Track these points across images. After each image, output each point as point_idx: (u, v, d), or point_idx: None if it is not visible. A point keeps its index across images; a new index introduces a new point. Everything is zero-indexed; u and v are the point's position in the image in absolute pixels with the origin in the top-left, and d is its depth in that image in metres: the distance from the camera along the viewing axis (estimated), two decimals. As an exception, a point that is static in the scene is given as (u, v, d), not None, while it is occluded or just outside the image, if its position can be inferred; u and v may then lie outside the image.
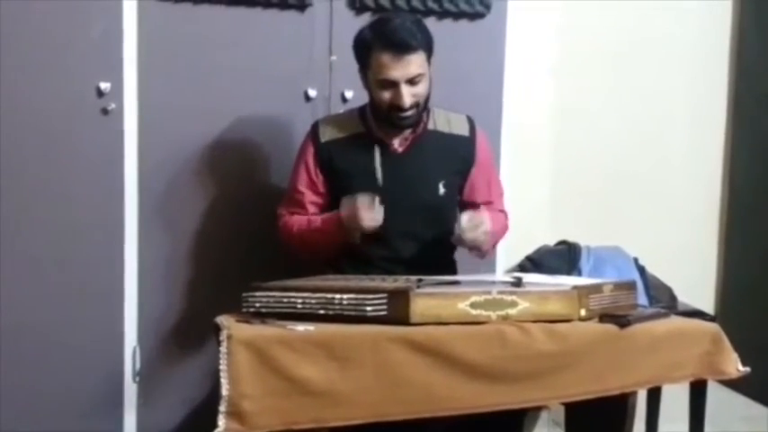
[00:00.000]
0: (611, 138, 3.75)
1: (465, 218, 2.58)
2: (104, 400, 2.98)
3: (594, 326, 2.29)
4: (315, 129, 2.77)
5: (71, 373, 2.93)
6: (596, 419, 2.53)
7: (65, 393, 2.93)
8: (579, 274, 3.32)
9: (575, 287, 2.28)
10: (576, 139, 3.69)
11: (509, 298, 2.21)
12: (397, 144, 2.73)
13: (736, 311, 3.81)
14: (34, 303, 2.89)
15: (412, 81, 2.58)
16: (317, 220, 2.70)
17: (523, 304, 2.21)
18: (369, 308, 2.16)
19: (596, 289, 2.34)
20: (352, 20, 3.05)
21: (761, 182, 3.80)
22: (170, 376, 3.06)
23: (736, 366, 2.42)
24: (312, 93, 3.10)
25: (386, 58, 2.55)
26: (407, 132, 2.72)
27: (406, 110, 2.60)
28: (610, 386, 2.32)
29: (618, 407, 2.45)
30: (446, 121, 2.78)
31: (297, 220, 2.75)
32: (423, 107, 2.66)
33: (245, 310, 2.32)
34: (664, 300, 3.40)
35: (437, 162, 2.74)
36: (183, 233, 3.05)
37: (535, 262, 3.48)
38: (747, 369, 2.43)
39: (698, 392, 2.53)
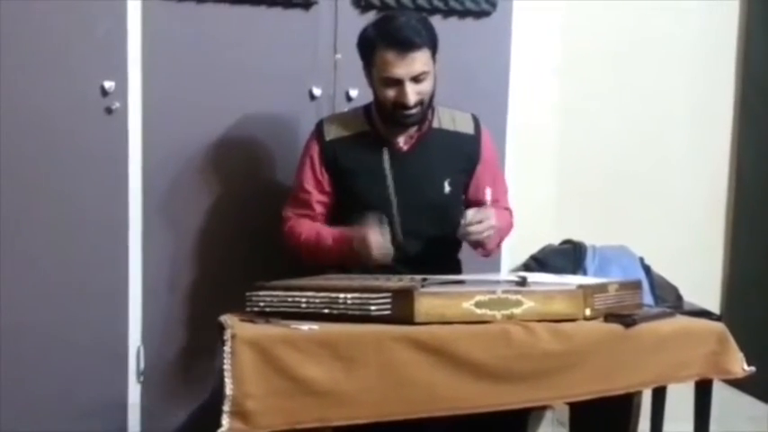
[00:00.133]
0: (616, 137, 3.74)
1: (470, 212, 2.57)
2: (108, 400, 2.98)
3: (600, 325, 2.29)
4: (319, 128, 2.77)
5: (74, 373, 2.93)
6: (601, 419, 2.53)
7: (68, 393, 2.93)
8: (584, 273, 3.31)
9: (580, 286, 2.28)
10: (581, 138, 3.68)
11: (514, 297, 2.21)
12: (402, 142, 2.72)
13: (742, 311, 3.80)
14: (37, 303, 2.89)
15: (416, 79, 2.57)
16: (328, 237, 2.67)
17: (528, 304, 2.21)
18: (373, 307, 2.16)
19: (601, 288, 2.34)
20: (357, 18, 3.04)
21: (767, 180, 3.79)
22: (174, 376, 3.06)
23: (741, 366, 2.42)
24: (317, 91, 3.09)
25: (390, 55, 2.55)
26: (412, 131, 2.72)
27: (411, 108, 2.60)
28: (615, 386, 2.32)
29: (623, 406, 2.45)
30: (451, 119, 2.78)
31: (304, 229, 2.73)
32: (427, 105, 2.66)
33: (249, 309, 2.32)
34: (669, 299, 3.39)
35: (442, 160, 2.73)
36: (187, 232, 3.04)
37: (540, 261, 3.47)
38: (753, 369, 2.43)
39: (703, 392, 2.52)
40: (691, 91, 3.83)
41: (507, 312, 2.20)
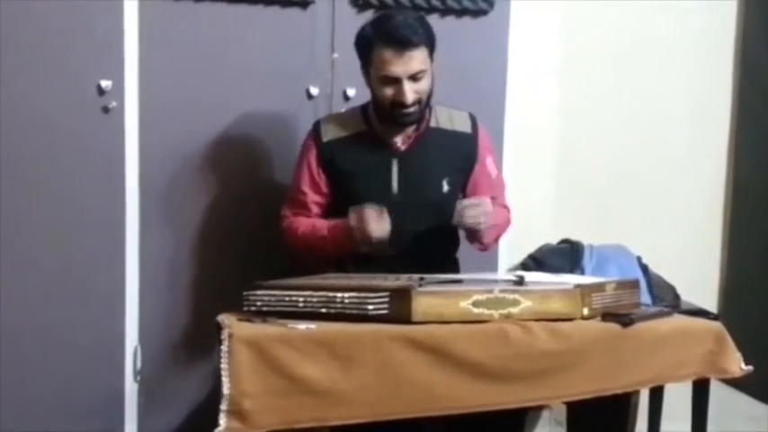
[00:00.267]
0: (614, 136, 3.74)
1: (466, 200, 2.59)
2: (105, 400, 2.98)
3: (597, 325, 2.28)
4: (316, 128, 2.76)
5: (72, 373, 2.93)
6: (598, 419, 2.53)
7: (65, 393, 2.93)
8: (582, 272, 3.31)
9: (577, 286, 2.28)
10: (579, 137, 3.68)
11: (511, 296, 2.21)
12: (400, 142, 2.72)
13: (740, 310, 3.80)
14: (34, 303, 2.89)
15: (414, 77, 2.57)
16: (323, 227, 2.69)
17: (526, 303, 2.21)
18: (370, 306, 2.16)
19: (599, 288, 2.34)
20: (355, 17, 3.04)
21: (765, 180, 3.79)
22: (171, 375, 3.06)
23: (739, 365, 2.42)
24: (314, 91, 3.09)
25: (387, 54, 2.55)
26: (410, 130, 2.72)
27: (409, 106, 2.60)
28: (612, 385, 2.31)
29: (620, 406, 2.45)
30: (448, 118, 2.78)
31: (301, 223, 2.74)
32: (425, 104, 2.66)
33: (246, 308, 2.32)
34: (667, 298, 3.39)
35: (440, 159, 2.73)
36: (185, 232, 3.04)
37: (538, 260, 3.47)
38: (750, 368, 2.43)
39: (701, 391, 2.52)
40: (689, 91, 3.83)
41: (505, 312, 2.19)
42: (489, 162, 2.85)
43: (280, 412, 2.07)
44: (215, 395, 2.08)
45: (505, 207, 2.90)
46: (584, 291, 2.26)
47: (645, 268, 3.43)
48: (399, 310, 2.14)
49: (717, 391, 2.59)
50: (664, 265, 3.49)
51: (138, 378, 3.02)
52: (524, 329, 2.18)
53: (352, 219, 2.57)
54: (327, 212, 2.75)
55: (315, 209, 2.75)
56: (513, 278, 2.41)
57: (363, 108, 2.77)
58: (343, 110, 3.00)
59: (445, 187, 2.73)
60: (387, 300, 2.16)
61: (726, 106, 3.91)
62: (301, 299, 2.25)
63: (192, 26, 2.98)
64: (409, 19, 2.60)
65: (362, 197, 2.63)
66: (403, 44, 2.54)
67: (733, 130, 3.93)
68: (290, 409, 2.07)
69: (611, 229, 3.59)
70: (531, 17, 3.43)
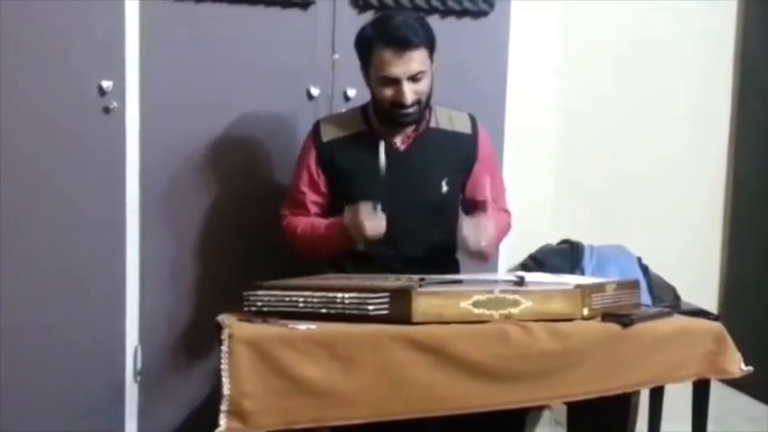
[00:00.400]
0: (614, 137, 3.74)
1: (469, 228, 2.57)
2: (105, 400, 2.98)
3: (597, 325, 2.29)
4: (316, 128, 2.77)
5: (72, 373, 2.93)
6: (599, 419, 2.53)
7: (65, 393, 2.93)
8: (582, 273, 3.31)
9: (577, 286, 2.29)
10: (579, 138, 3.68)
11: (512, 297, 2.21)
12: (399, 142, 2.72)
13: (740, 311, 3.80)
14: (35, 303, 2.89)
15: (414, 78, 2.57)
16: (321, 225, 2.70)
17: (526, 303, 2.21)
18: (371, 307, 2.16)
19: (599, 288, 2.34)
20: (355, 18, 3.04)
21: (765, 181, 3.79)
22: (171, 376, 3.06)
23: (739, 366, 2.42)
24: (315, 91, 3.09)
25: (387, 54, 2.55)
26: (410, 130, 2.72)
27: (408, 107, 2.60)
28: (612, 386, 2.32)
29: (620, 406, 2.45)
30: (448, 118, 2.78)
31: (300, 222, 2.74)
32: (425, 104, 2.66)
33: (246, 308, 2.32)
34: (667, 299, 3.39)
35: (440, 160, 2.73)
36: (185, 232, 3.04)
37: (538, 261, 3.47)
38: (750, 368, 2.43)
39: (701, 392, 2.52)
40: (689, 91, 3.83)
41: (505, 312, 2.20)
42: (490, 165, 2.85)
43: (280, 413, 2.07)
44: (215, 395, 2.08)
45: (506, 211, 2.90)
46: (585, 291, 2.26)
47: (645, 269, 3.43)
48: (399, 311, 2.14)
49: (717, 392, 2.59)
50: (664, 265, 3.49)
51: (139, 378, 3.02)
52: (524, 330, 2.19)
53: (348, 217, 2.58)
54: (326, 213, 2.75)
55: (313, 209, 2.75)
56: (514, 278, 2.41)
57: (363, 108, 2.78)
58: (343, 110, 3.00)
59: (444, 187, 2.73)
60: (387, 300, 2.16)
61: (726, 106, 3.91)
62: (301, 299, 2.25)
63: (192, 27, 2.98)
64: (409, 20, 2.60)
65: (361, 197, 2.63)
66: (403, 45, 2.54)
67: (733, 130, 3.93)
68: (290, 409, 2.08)
69: (611, 230, 3.59)
70: (531, 18, 3.43)
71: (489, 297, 2.19)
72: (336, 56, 3.08)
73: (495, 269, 3.25)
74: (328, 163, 2.72)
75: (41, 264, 2.90)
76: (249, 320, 2.22)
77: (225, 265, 3.06)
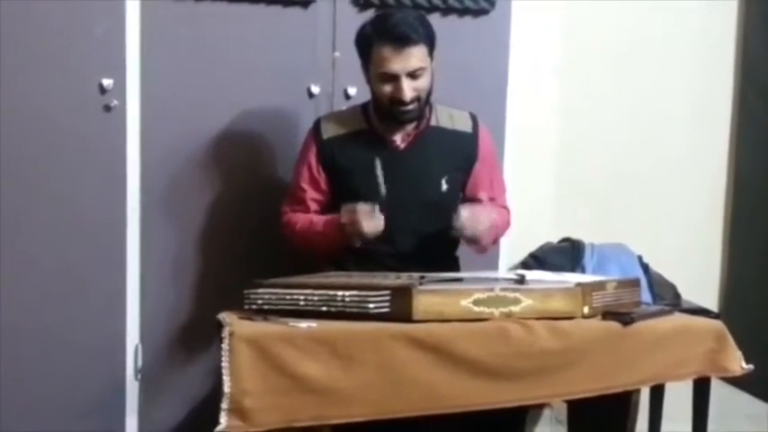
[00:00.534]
0: (615, 136, 3.74)
1: (465, 211, 2.57)
2: (106, 399, 2.98)
3: (598, 323, 2.29)
4: (317, 126, 2.77)
5: (73, 372, 2.93)
6: (599, 417, 2.53)
7: (66, 392, 2.93)
8: (583, 271, 3.31)
9: (578, 284, 2.29)
10: (579, 137, 3.68)
11: (512, 295, 2.21)
12: (399, 140, 2.72)
13: (740, 309, 3.80)
14: (35, 301, 2.89)
15: (413, 75, 2.58)
16: (319, 222, 2.70)
17: (527, 301, 2.21)
18: (371, 305, 2.16)
19: (600, 286, 2.34)
20: (356, 16, 3.03)
21: (765, 180, 3.79)
22: (172, 374, 3.06)
23: (739, 364, 2.42)
24: (315, 89, 3.09)
25: (386, 51, 2.55)
26: (410, 128, 2.72)
27: (407, 104, 2.60)
28: (613, 384, 2.32)
29: (621, 404, 2.44)
30: (449, 117, 2.78)
31: (299, 219, 2.75)
32: (424, 102, 2.66)
33: (247, 307, 2.32)
34: (668, 297, 3.39)
35: (440, 158, 2.73)
36: (186, 230, 3.04)
37: (538, 259, 3.47)
38: (751, 366, 2.43)
39: (701, 390, 2.53)
40: (690, 91, 3.83)
41: (506, 310, 2.20)
42: (490, 163, 2.85)
43: (280, 411, 2.07)
44: (216, 393, 2.09)
45: (505, 208, 2.89)
46: (585, 289, 2.26)
47: (645, 267, 3.43)
48: (400, 309, 2.14)
49: (717, 390, 2.60)
50: (664, 263, 3.49)
51: (139, 376, 3.02)
52: (525, 328, 2.19)
53: (345, 216, 2.58)
54: (326, 210, 2.75)
55: (313, 206, 2.76)
56: (514, 277, 2.41)
57: (364, 106, 2.78)
58: (344, 108, 3.00)
59: (444, 186, 2.73)
60: (387, 298, 2.16)
61: (726, 106, 3.91)
62: (302, 297, 2.25)
63: (193, 25, 2.98)
64: (409, 17, 2.61)
65: (361, 195, 2.63)
66: (402, 41, 2.54)
67: (733, 129, 3.93)
68: (290, 407, 2.08)
69: (611, 230, 3.59)
70: (531, 17, 3.43)
71: (490, 295, 2.19)
72: (337, 54, 3.08)
73: (495, 267, 3.26)
74: (329, 160, 2.72)
75: (42, 262, 2.90)
76: (250, 318, 2.22)
77: (225, 263, 3.06)
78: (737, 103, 3.91)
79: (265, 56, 3.05)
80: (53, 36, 2.85)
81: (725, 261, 3.96)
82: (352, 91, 3.08)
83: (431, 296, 2.16)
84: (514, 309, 2.20)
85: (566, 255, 3.43)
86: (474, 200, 2.76)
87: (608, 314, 2.30)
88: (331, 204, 2.74)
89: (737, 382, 2.73)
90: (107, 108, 2.90)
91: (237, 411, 2.03)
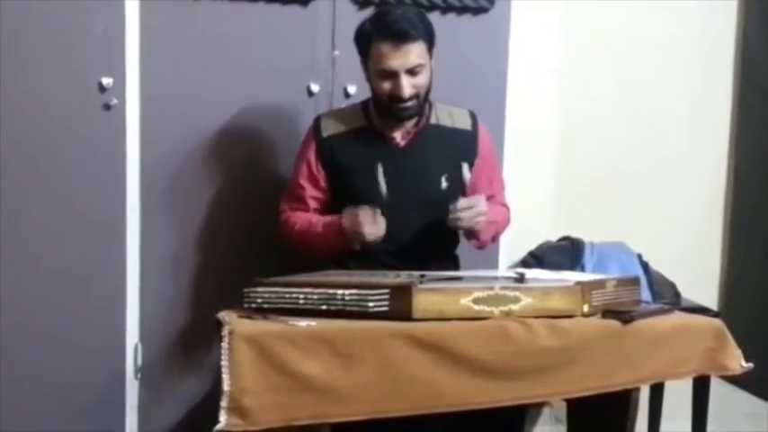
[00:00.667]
0: (614, 135, 3.74)
1: (461, 200, 2.58)
2: (106, 397, 2.98)
3: (597, 322, 2.29)
4: (317, 124, 2.76)
5: (72, 371, 2.93)
6: (599, 416, 2.53)
7: (66, 391, 2.92)
8: (582, 269, 3.31)
9: (578, 283, 2.29)
10: (579, 135, 3.69)
11: (512, 294, 2.21)
12: (399, 138, 2.72)
13: (740, 308, 3.80)
14: (35, 300, 2.88)
15: (412, 71, 2.57)
16: (319, 223, 2.69)
17: (526, 300, 2.21)
18: (371, 303, 2.17)
19: (599, 285, 2.34)
20: (355, 15, 3.03)
21: (765, 179, 3.80)
22: (172, 373, 3.06)
23: (739, 362, 2.42)
24: (315, 88, 3.09)
25: (385, 47, 2.55)
26: (410, 126, 2.72)
27: (406, 100, 2.60)
28: (612, 382, 2.32)
29: (620, 403, 2.44)
30: (448, 115, 2.78)
31: (299, 218, 2.74)
32: (423, 99, 2.66)
33: (247, 305, 2.32)
34: (667, 296, 3.39)
35: (439, 156, 2.73)
36: (186, 229, 3.04)
37: (538, 258, 3.47)
38: (750, 365, 2.43)
39: (701, 388, 2.53)
40: (689, 91, 3.83)
41: (505, 309, 2.20)
42: (490, 161, 2.85)
43: (280, 409, 2.07)
44: (215, 392, 2.09)
45: (505, 205, 2.89)
46: (585, 288, 2.26)
47: (645, 266, 3.43)
48: (400, 307, 2.14)
49: (717, 389, 2.60)
50: (664, 262, 3.49)
51: (139, 375, 3.02)
52: (525, 326, 2.19)
53: (346, 220, 2.58)
54: (325, 208, 2.75)
55: (313, 204, 2.75)
56: (514, 275, 2.40)
57: (364, 104, 2.78)
58: (343, 106, 3.00)
59: (444, 184, 2.72)
60: (387, 297, 2.16)
61: (726, 106, 3.92)
62: (302, 296, 2.25)
63: (192, 23, 2.98)
64: (408, 13, 2.60)
65: (361, 193, 2.63)
66: (401, 37, 2.54)
67: (733, 129, 3.93)
68: (290, 406, 2.08)
69: (611, 229, 3.59)
70: (531, 16, 3.43)
71: (489, 294, 2.19)
72: (336, 52, 3.08)
73: (495, 266, 3.26)
74: (329, 158, 2.72)
75: (41, 261, 2.90)
76: (249, 317, 2.22)
77: (225, 261, 3.05)
78: (737, 102, 3.91)
79: (265, 54, 3.05)
80: (53, 35, 2.85)
81: (724, 259, 3.97)
82: (351, 89, 3.08)
83: (430, 295, 2.17)
84: (514, 307, 2.20)
85: (565, 253, 3.43)
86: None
87: (608, 313, 2.30)
88: (330, 202, 2.74)
89: (737, 380, 2.74)
90: (107, 107, 2.90)
91: (237, 410, 2.03)
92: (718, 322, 2.47)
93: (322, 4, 3.08)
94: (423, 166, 2.71)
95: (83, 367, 2.94)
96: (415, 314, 2.14)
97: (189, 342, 3.05)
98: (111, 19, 2.89)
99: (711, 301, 3.83)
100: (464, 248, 2.82)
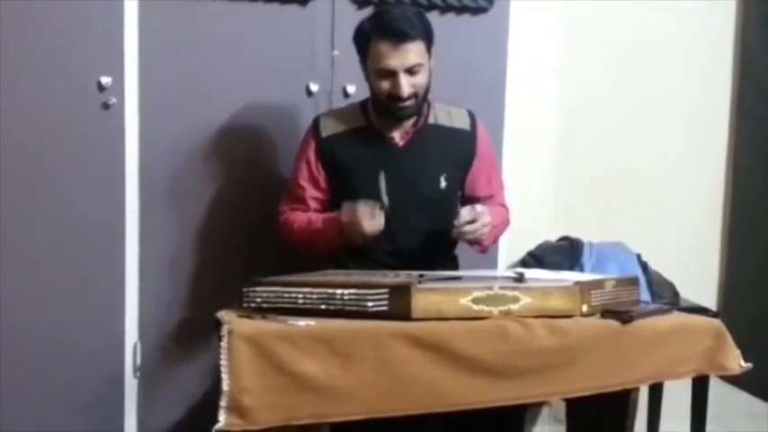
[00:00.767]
0: (613, 134, 3.74)
1: (464, 212, 2.57)
2: (105, 397, 2.98)
3: (596, 321, 2.29)
4: (316, 123, 2.77)
5: (72, 370, 2.93)
6: (598, 416, 2.53)
7: (65, 390, 2.92)
8: (581, 269, 3.31)
9: (577, 283, 2.29)
10: (578, 135, 3.69)
11: (511, 293, 2.21)
12: (398, 138, 2.72)
13: (739, 307, 3.81)
14: (35, 300, 2.88)
15: (410, 71, 2.57)
16: (318, 220, 2.70)
17: (525, 300, 2.21)
18: (370, 303, 2.17)
19: (598, 284, 2.34)
20: (354, 14, 3.03)
21: (764, 178, 3.80)
22: (171, 372, 3.06)
23: (738, 362, 2.42)
24: (314, 88, 3.09)
25: (384, 46, 2.55)
26: (408, 126, 2.72)
27: (405, 99, 2.60)
28: (611, 382, 2.32)
29: (619, 403, 2.45)
30: (447, 114, 2.78)
31: (298, 218, 2.74)
32: (422, 98, 2.66)
33: (246, 305, 2.32)
34: (666, 296, 3.39)
35: (438, 156, 2.73)
36: (184, 228, 3.04)
37: (537, 257, 3.47)
38: (749, 365, 2.43)
39: (700, 389, 2.53)
40: (689, 91, 3.83)
41: (504, 308, 2.20)
42: (488, 161, 2.85)
43: (279, 409, 2.07)
44: (214, 391, 2.08)
45: (504, 206, 2.89)
46: (584, 288, 2.27)
47: (644, 266, 3.43)
48: (399, 307, 2.14)
49: (716, 389, 2.60)
50: (663, 262, 3.50)
51: (138, 374, 3.02)
52: (524, 326, 2.19)
53: (345, 215, 2.58)
54: (326, 208, 2.75)
55: (313, 204, 2.75)
56: (513, 275, 2.40)
57: (363, 104, 2.78)
58: (342, 106, 3.00)
59: (443, 183, 2.72)
60: (386, 296, 2.16)
61: (725, 106, 3.92)
62: (301, 295, 2.25)
63: (191, 23, 2.98)
64: (407, 13, 2.60)
65: (360, 192, 2.63)
66: (399, 37, 2.54)
67: (732, 129, 3.93)
68: (289, 405, 2.08)
69: (610, 229, 3.59)
70: (530, 16, 3.44)
71: (489, 293, 2.19)
72: (336, 52, 3.07)
73: (494, 266, 3.26)
74: (328, 158, 2.72)
75: (40, 261, 2.89)
76: (249, 317, 2.22)
77: (224, 261, 3.05)
78: (736, 102, 3.91)
79: (264, 54, 3.05)
80: (52, 34, 2.85)
81: (723, 260, 3.97)
82: (350, 89, 3.08)
83: (430, 294, 2.17)
84: (513, 307, 2.20)
85: (564, 253, 3.43)
86: (473, 198, 2.76)
87: (607, 313, 2.30)
88: (330, 203, 2.74)
89: (736, 380, 2.74)
90: (105, 106, 2.90)
91: (236, 409, 2.03)
92: (717, 322, 2.47)
93: (321, 3, 3.08)
94: (421, 165, 2.71)
95: (82, 367, 2.94)
96: (415, 314, 2.14)
97: (188, 341, 3.05)
98: (110, 18, 2.89)
99: (710, 301, 3.84)
100: (463, 248, 2.82)
